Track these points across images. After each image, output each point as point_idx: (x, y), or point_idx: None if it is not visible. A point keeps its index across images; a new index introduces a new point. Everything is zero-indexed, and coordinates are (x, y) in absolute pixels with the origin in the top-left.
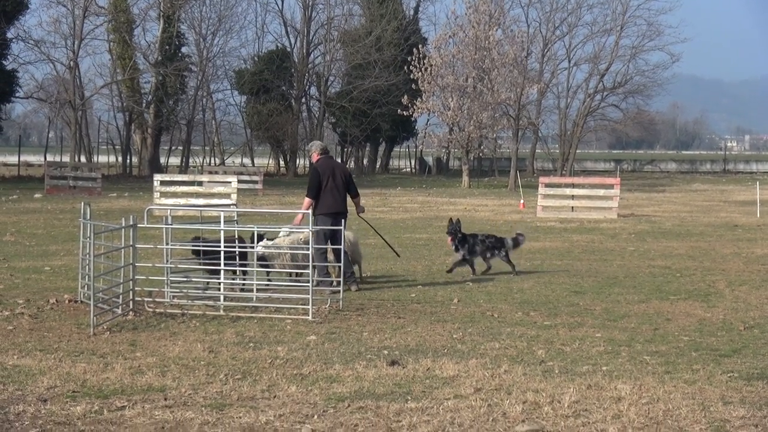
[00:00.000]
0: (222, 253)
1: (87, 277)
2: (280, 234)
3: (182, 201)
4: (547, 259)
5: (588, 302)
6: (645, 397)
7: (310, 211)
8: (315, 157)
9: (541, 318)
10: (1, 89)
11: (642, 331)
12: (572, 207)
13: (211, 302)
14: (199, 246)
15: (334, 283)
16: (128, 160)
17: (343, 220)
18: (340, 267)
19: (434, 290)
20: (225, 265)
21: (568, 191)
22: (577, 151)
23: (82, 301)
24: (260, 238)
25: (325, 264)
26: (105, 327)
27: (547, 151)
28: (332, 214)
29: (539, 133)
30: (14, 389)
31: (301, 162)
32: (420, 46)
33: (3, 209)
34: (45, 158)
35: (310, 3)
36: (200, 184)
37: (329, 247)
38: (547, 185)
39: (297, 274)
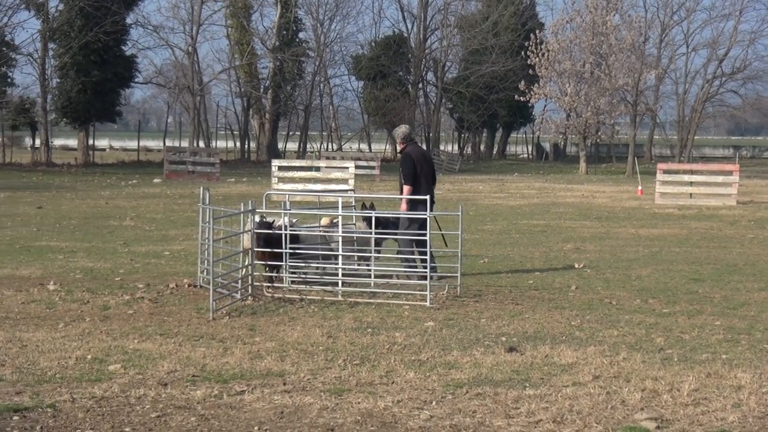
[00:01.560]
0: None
1: (206, 261)
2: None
3: (300, 186)
4: (666, 246)
5: (707, 290)
6: (766, 385)
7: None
8: (401, 145)
9: (659, 305)
10: (121, 74)
11: (762, 320)
12: (690, 194)
13: (329, 287)
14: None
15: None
16: (246, 146)
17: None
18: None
19: (552, 277)
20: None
21: (686, 178)
22: (696, 137)
23: (201, 286)
24: (268, 224)
25: (411, 250)
26: (224, 312)
27: (665, 138)
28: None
29: (657, 119)
30: (135, 373)
31: None
32: (537, 31)
33: (123, 194)
34: (164, 143)
35: None
36: (318, 169)
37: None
38: (666, 172)
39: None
